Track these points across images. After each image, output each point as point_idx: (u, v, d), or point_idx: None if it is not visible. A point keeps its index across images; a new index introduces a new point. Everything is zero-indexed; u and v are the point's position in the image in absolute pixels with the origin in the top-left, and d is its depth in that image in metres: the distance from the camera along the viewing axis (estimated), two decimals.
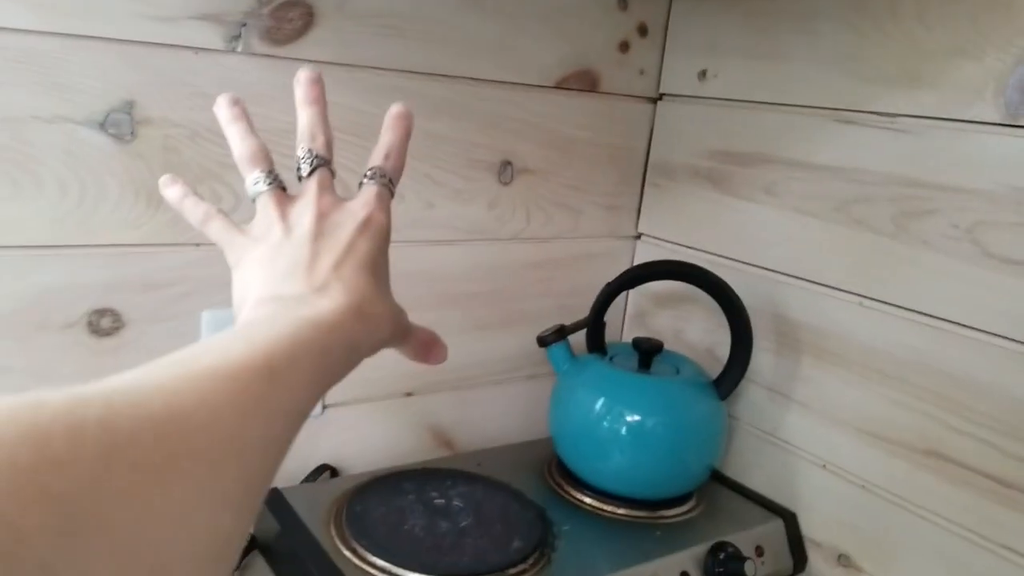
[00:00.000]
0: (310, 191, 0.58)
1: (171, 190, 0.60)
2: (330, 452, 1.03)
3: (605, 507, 0.98)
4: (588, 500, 0.99)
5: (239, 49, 0.85)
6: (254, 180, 0.58)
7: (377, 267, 0.56)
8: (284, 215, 0.57)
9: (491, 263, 1.11)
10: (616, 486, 0.98)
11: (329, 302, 0.51)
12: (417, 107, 0.96)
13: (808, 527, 0.99)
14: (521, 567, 0.83)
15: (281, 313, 0.49)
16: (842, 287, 0.94)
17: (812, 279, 0.97)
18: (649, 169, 1.21)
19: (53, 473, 0.28)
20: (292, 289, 0.52)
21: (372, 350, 0.54)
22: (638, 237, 1.23)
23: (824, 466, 0.96)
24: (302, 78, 0.61)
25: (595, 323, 1.05)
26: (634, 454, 0.97)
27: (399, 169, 0.62)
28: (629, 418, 0.96)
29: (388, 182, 0.60)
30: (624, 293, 1.24)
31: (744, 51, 1.04)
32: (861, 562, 0.93)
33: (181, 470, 0.34)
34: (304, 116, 0.61)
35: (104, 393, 0.33)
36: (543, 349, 1.06)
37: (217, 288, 0.89)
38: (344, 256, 0.54)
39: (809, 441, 0.98)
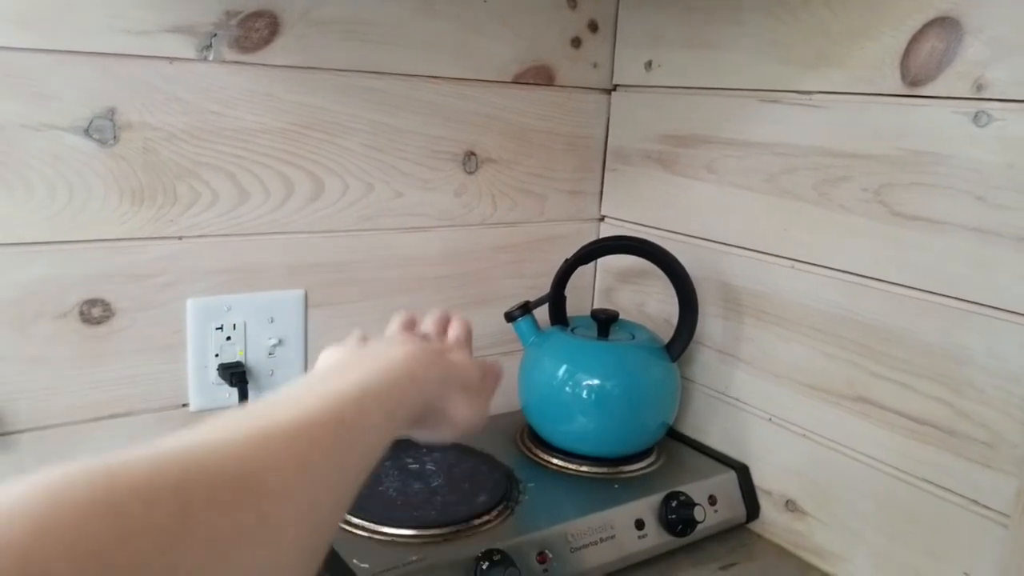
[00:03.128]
0: None
1: None
2: None
3: (570, 466, 1.05)
4: (555, 461, 1.06)
5: (210, 58, 0.91)
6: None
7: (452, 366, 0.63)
8: None
9: (461, 247, 1.17)
10: (580, 446, 1.05)
11: (401, 348, 0.56)
12: (381, 104, 1.05)
13: (759, 477, 1.06)
14: (485, 518, 0.90)
15: (354, 363, 0.53)
16: (776, 252, 1.01)
17: (750, 247, 1.04)
18: (608, 155, 1.28)
19: (122, 544, 0.28)
20: (367, 346, 0.59)
21: (446, 389, 0.60)
22: (602, 219, 1.31)
23: (770, 419, 1.03)
24: None
25: (556, 297, 1.12)
26: (594, 414, 1.04)
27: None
28: (588, 381, 1.03)
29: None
30: (593, 272, 1.32)
31: (683, 42, 1.11)
32: (805, 506, 1.00)
33: (248, 537, 0.34)
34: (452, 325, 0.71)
35: (180, 457, 0.34)
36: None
37: (200, 277, 0.95)
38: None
39: (756, 397, 1.05)
